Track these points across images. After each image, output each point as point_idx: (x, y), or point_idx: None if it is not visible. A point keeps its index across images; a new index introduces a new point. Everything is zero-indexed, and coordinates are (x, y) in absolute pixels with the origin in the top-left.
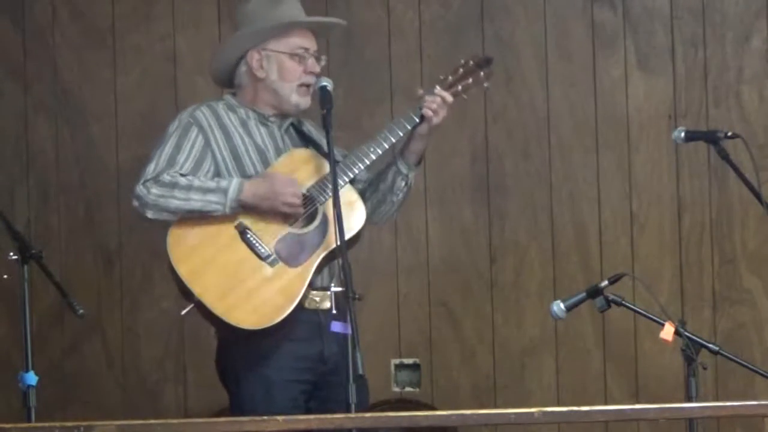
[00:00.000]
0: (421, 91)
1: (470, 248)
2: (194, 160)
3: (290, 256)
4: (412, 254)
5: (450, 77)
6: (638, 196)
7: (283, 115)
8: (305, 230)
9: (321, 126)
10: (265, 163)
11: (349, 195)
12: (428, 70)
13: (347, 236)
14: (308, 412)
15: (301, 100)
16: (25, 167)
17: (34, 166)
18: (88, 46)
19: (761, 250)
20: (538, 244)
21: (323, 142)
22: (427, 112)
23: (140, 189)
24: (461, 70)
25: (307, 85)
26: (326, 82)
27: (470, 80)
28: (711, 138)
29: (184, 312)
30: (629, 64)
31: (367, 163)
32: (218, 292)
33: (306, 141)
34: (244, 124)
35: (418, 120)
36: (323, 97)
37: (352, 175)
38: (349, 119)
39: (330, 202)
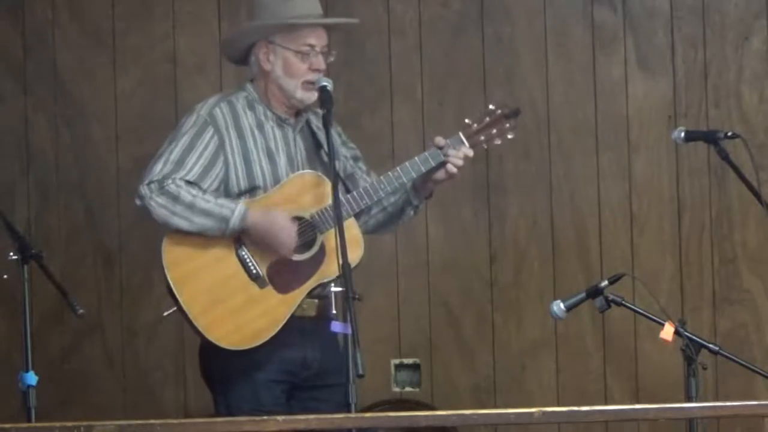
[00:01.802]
0: (442, 140)
1: (470, 248)
2: (203, 166)
3: (281, 281)
4: (412, 254)
5: (475, 125)
6: (638, 196)
7: (297, 115)
8: (301, 257)
9: (321, 126)
10: (274, 169)
11: (351, 230)
12: (428, 70)
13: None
14: (289, 411)
15: (305, 96)
16: (25, 167)
17: (34, 166)
18: (88, 46)
19: (761, 250)
20: (538, 244)
21: (337, 141)
22: (452, 169)
23: (144, 189)
24: (487, 118)
25: (312, 82)
26: (326, 82)
27: (494, 131)
28: (711, 138)
29: (166, 314)
30: (629, 64)
31: (375, 199)
32: (203, 303)
33: (317, 143)
34: (260, 126)
35: (435, 165)
36: (323, 97)
37: (359, 209)
38: (349, 119)
39: (330, 233)
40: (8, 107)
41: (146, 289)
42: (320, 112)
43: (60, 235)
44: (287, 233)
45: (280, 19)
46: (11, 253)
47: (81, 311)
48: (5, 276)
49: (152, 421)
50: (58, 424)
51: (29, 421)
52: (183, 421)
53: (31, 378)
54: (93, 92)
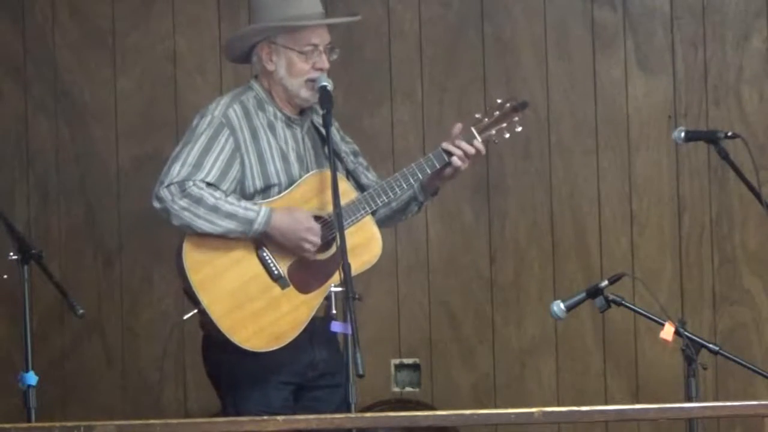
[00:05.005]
0: (458, 130)
1: (470, 248)
2: (221, 168)
3: (302, 281)
4: (412, 254)
5: (485, 119)
6: (638, 196)
7: (303, 114)
8: (320, 257)
9: (321, 125)
10: (288, 168)
11: (368, 228)
12: (428, 70)
13: (361, 269)
14: (295, 412)
15: (310, 95)
16: (25, 167)
17: (34, 166)
18: (88, 46)
19: (761, 250)
20: (538, 244)
21: (336, 137)
22: (456, 162)
23: (164, 192)
24: (497, 112)
25: (315, 80)
26: (326, 82)
27: (504, 124)
28: (711, 138)
29: (186, 317)
30: (629, 64)
31: (391, 196)
32: (226, 306)
33: (323, 141)
34: (271, 126)
35: (447, 161)
36: (323, 97)
37: (374, 207)
38: (349, 119)
39: (348, 232)
40: (8, 107)
41: (146, 289)
42: (321, 111)
43: (60, 235)
44: (312, 233)
45: (281, 19)
46: (11, 253)
47: (81, 311)
48: (5, 276)
49: (152, 421)
50: (58, 424)
51: (29, 421)
52: (183, 421)
53: (31, 378)
54: (93, 92)
